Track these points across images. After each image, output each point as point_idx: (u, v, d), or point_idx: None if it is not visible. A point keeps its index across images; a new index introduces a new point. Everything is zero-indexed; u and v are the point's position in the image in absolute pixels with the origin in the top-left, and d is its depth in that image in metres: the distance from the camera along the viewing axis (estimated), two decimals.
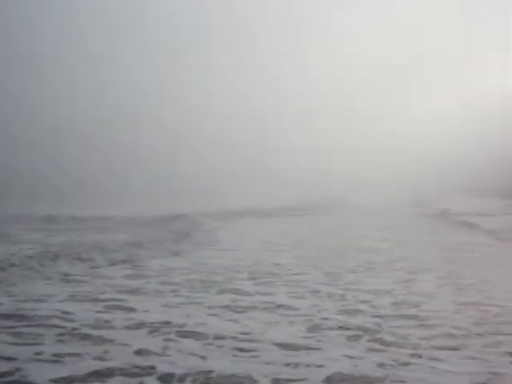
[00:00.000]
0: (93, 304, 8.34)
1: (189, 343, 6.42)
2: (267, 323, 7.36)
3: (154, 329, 6.95)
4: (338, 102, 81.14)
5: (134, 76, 74.78)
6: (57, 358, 5.82)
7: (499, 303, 8.55)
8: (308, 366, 5.69)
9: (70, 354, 5.93)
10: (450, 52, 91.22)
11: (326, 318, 7.58)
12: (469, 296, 9.14)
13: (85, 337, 6.58)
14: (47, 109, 64.89)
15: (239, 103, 76.23)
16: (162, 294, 9.26)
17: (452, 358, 5.90)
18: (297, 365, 5.70)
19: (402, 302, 8.63)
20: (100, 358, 5.84)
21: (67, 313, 7.70)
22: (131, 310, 8.01)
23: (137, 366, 5.61)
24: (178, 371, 5.49)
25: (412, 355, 6.01)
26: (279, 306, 8.32)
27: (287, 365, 5.69)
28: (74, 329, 6.91)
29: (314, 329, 7.09)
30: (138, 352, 6.04)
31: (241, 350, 6.21)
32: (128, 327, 7.05)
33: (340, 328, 7.11)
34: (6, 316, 7.53)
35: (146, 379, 5.30)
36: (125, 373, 5.45)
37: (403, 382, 5.25)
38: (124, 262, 12.65)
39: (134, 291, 9.41)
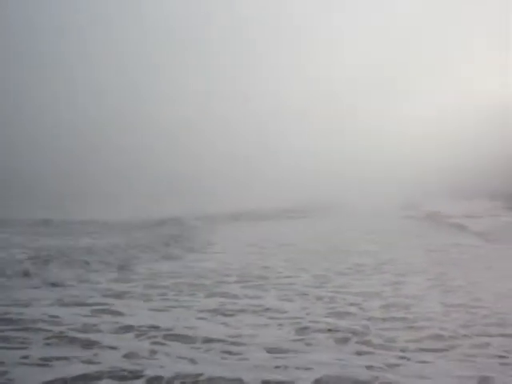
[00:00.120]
0: (80, 308, 8.30)
1: (177, 347, 6.41)
2: (256, 326, 7.35)
3: (142, 332, 6.93)
4: (338, 102, 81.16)
5: (133, 76, 74.63)
6: (44, 362, 5.80)
7: (487, 305, 8.58)
8: (297, 368, 5.69)
9: (58, 358, 5.91)
10: (449, 52, 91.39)
11: (315, 321, 7.58)
12: (457, 298, 9.16)
13: (72, 340, 6.56)
14: (47, 109, 64.65)
15: (238, 104, 76.15)
16: (150, 297, 9.24)
17: (440, 361, 5.92)
18: (286, 367, 5.70)
19: (391, 305, 8.64)
20: (88, 362, 5.83)
21: (55, 317, 7.67)
22: (119, 313, 7.98)
23: (125, 370, 5.59)
24: (166, 374, 5.48)
25: (400, 357, 6.02)
26: (268, 309, 8.32)
27: (276, 367, 5.70)
28: (61, 332, 6.88)
29: (302, 331, 7.09)
30: (127, 356, 6.02)
31: (230, 353, 6.21)
32: (116, 331, 7.03)
33: (329, 331, 7.11)
34: None
35: (135, 382, 5.28)
36: (113, 376, 5.43)
37: None
38: (113, 266, 12.58)
39: (121, 295, 9.38)
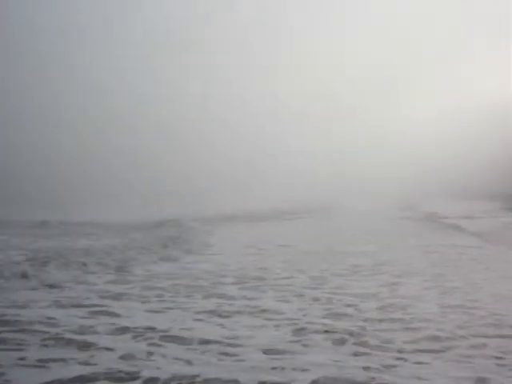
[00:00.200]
0: (77, 309, 8.29)
1: (173, 348, 6.40)
2: (253, 327, 7.35)
3: (139, 334, 6.92)
4: (337, 103, 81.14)
5: (133, 77, 74.54)
6: (41, 364, 5.79)
7: (484, 306, 8.58)
8: (294, 369, 5.68)
9: (55, 360, 5.90)
10: (449, 52, 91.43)
11: (312, 322, 7.58)
12: (454, 299, 9.17)
13: (69, 342, 6.55)
14: (46, 109, 64.60)
15: (237, 105, 76.10)
16: (147, 298, 9.23)
17: (437, 362, 5.92)
18: (282, 369, 5.69)
19: (388, 306, 8.64)
20: (85, 363, 5.83)
21: (51, 318, 7.67)
22: (116, 315, 7.97)
23: (121, 371, 5.59)
24: (163, 376, 5.47)
25: (397, 359, 6.02)
26: (265, 311, 8.31)
27: (273, 369, 5.69)
28: (57, 334, 6.87)
29: (299, 333, 7.08)
30: (123, 357, 6.02)
31: (226, 354, 6.20)
32: (112, 332, 7.02)
33: (325, 332, 7.10)
34: None
35: None
36: (109, 377, 5.43)
37: None
38: (111, 267, 12.57)
39: (118, 296, 9.37)
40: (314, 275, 11.60)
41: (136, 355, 6.09)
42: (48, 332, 6.96)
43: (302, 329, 7.25)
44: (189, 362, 5.90)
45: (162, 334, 6.93)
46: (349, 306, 8.66)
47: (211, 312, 8.21)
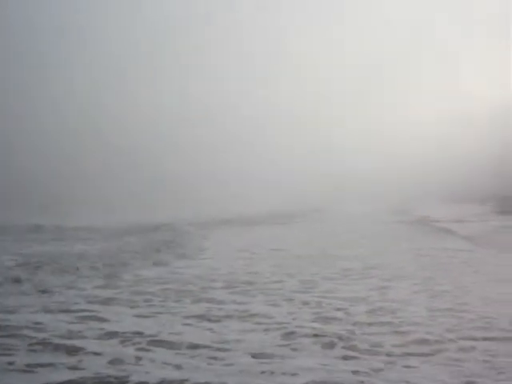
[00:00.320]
0: (66, 314, 8.26)
1: (162, 353, 6.39)
2: (242, 332, 7.34)
3: (127, 339, 6.91)
4: (331, 105, 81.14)
5: (132, 78, 74.37)
6: (29, 369, 5.78)
7: (474, 309, 8.59)
8: (283, 373, 5.68)
9: (43, 365, 5.89)
10: (450, 51, 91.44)
11: (301, 326, 7.57)
12: (444, 302, 9.17)
13: (57, 347, 6.53)
14: (45, 110, 64.44)
15: (234, 109, 76.07)
16: (136, 303, 9.22)
17: (426, 365, 5.92)
18: (271, 373, 5.69)
19: (378, 309, 8.65)
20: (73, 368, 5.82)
21: (40, 323, 7.64)
22: (104, 320, 7.95)
23: (110, 376, 5.58)
24: (151, 380, 5.47)
25: (386, 362, 6.02)
26: (254, 315, 8.30)
27: (262, 373, 5.69)
28: (45, 339, 6.86)
29: (288, 337, 7.08)
30: (112, 362, 6.01)
31: (215, 358, 6.19)
32: (101, 337, 7.01)
33: (315, 336, 7.10)
34: None
35: None
36: (98, 382, 5.42)
37: None
38: (103, 272, 12.53)
39: (108, 301, 9.35)
40: (304, 279, 11.60)
41: (124, 360, 6.07)
42: (36, 337, 6.94)
43: (292, 333, 7.24)
44: (178, 367, 5.89)
45: (150, 338, 6.92)
46: (338, 309, 8.65)
47: (201, 316, 8.20)
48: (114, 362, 6.01)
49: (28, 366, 5.88)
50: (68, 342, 6.70)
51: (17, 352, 6.35)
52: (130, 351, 6.39)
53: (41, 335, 7.03)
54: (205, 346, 6.60)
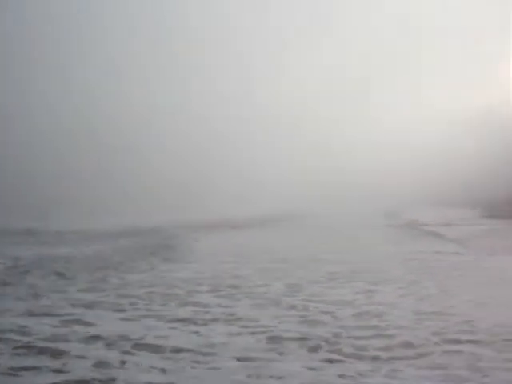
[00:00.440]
0: (51, 318, 8.22)
1: (147, 356, 6.36)
2: (228, 335, 7.32)
3: (111, 342, 6.87)
4: (326, 107, 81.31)
5: (125, 79, 74.27)
6: (14, 372, 5.76)
7: (459, 312, 8.60)
8: (269, 377, 5.66)
9: (27, 368, 5.85)
10: (449, 51, 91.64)
11: (287, 330, 7.55)
12: (430, 306, 9.17)
13: (41, 350, 6.49)
14: (39, 110, 64.31)
15: (228, 110, 76.14)
16: (121, 306, 9.17)
17: (410, 369, 5.91)
18: (257, 376, 5.67)
19: (364, 313, 8.64)
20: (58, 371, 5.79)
21: (24, 327, 7.60)
22: (89, 324, 7.91)
23: (95, 379, 5.55)
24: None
25: (372, 366, 6.01)
26: (240, 318, 8.27)
27: (248, 377, 5.66)
28: (29, 342, 6.82)
29: (274, 340, 7.05)
30: (96, 365, 5.97)
31: (201, 362, 6.16)
32: (86, 341, 6.97)
33: (301, 339, 7.08)
34: None
35: None
36: None
37: None
38: (88, 276, 12.48)
39: (92, 305, 9.31)
40: (290, 283, 11.57)
41: (109, 363, 6.04)
42: (20, 340, 6.90)
43: (277, 336, 7.22)
44: (163, 371, 5.86)
45: (135, 342, 6.89)
46: (325, 313, 8.64)
47: (186, 320, 8.17)
48: (98, 365, 5.98)
49: (12, 369, 5.84)
50: (52, 346, 6.66)
51: (1, 356, 6.30)
52: (114, 355, 6.35)
53: (25, 339, 6.99)
54: (189, 350, 6.57)
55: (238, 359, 6.26)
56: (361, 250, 18.67)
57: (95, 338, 7.07)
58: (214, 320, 8.17)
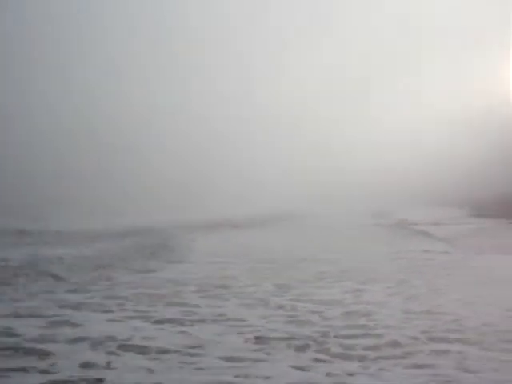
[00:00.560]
0: (37, 320, 8.16)
1: (135, 357, 6.33)
2: (215, 335, 7.30)
3: (98, 343, 6.83)
4: (326, 107, 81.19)
5: (125, 78, 73.93)
6: (1, 373, 5.73)
7: (448, 311, 8.62)
8: (256, 377, 5.65)
9: (14, 369, 5.83)
10: (449, 51, 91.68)
11: (275, 329, 7.54)
12: (419, 305, 9.19)
13: (29, 351, 6.45)
14: (39, 109, 63.96)
15: (226, 110, 75.88)
16: (108, 308, 9.13)
17: (398, 368, 5.91)
18: (245, 376, 5.66)
19: (352, 312, 8.65)
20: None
21: (9, 328, 7.55)
22: (76, 325, 7.87)
23: (83, 379, 5.52)
24: None
25: (359, 365, 6.01)
26: (228, 319, 8.26)
27: (236, 376, 5.65)
28: (17, 343, 6.78)
29: (262, 340, 7.04)
30: (84, 365, 5.95)
31: (188, 362, 6.14)
32: (73, 342, 6.93)
33: (288, 339, 7.07)
34: None
35: None
36: None
37: None
38: (78, 277, 12.41)
39: (78, 306, 9.26)
40: (278, 283, 11.53)
41: (97, 363, 6.01)
42: (7, 342, 6.85)
43: (265, 336, 7.21)
44: (150, 371, 5.83)
45: (122, 342, 6.85)
46: (313, 312, 8.64)
47: (174, 320, 8.14)
48: (87, 365, 5.97)
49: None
50: (39, 346, 6.63)
51: None
52: (102, 355, 6.33)
53: (12, 340, 6.94)
54: (177, 350, 6.56)
55: (226, 359, 6.24)
56: (350, 249, 18.67)
57: (83, 338, 7.03)
58: (202, 320, 8.15)
